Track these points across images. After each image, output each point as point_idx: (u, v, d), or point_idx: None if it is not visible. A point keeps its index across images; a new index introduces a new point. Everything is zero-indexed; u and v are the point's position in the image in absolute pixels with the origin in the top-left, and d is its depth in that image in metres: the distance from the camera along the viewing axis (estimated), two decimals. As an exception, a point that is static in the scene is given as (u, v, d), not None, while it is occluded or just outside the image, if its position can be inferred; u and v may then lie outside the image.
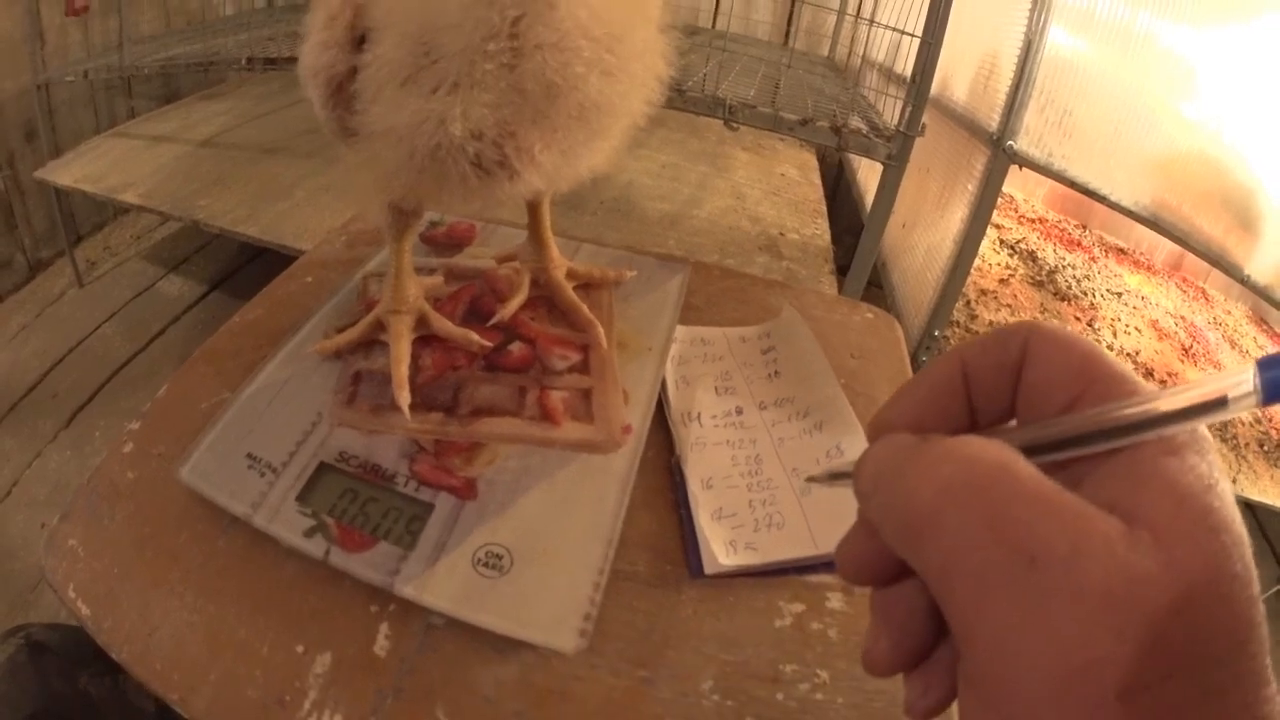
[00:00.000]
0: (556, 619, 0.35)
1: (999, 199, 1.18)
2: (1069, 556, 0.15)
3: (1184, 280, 1.99)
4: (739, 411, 0.50)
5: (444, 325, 0.48)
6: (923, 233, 1.48)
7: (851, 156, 2.01)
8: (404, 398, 0.43)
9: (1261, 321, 1.89)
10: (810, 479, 0.26)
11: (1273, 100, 1.16)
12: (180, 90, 2.06)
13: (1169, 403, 0.17)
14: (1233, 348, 1.69)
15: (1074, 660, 0.15)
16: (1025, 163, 1.15)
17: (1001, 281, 1.62)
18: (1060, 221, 2.07)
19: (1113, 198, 1.18)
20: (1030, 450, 0.18)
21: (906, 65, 1.06)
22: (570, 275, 0.54)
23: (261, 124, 1.81)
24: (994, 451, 0.17)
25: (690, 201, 1.60)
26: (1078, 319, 1.56)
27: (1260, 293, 1.34)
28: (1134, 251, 2.06)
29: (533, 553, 0.38)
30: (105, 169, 1.53)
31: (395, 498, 0.40)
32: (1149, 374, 1.43)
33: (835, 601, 0.41)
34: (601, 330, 0.50)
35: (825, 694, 0.37)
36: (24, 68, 1.55)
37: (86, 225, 1.87)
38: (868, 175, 1.62)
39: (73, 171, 1.51)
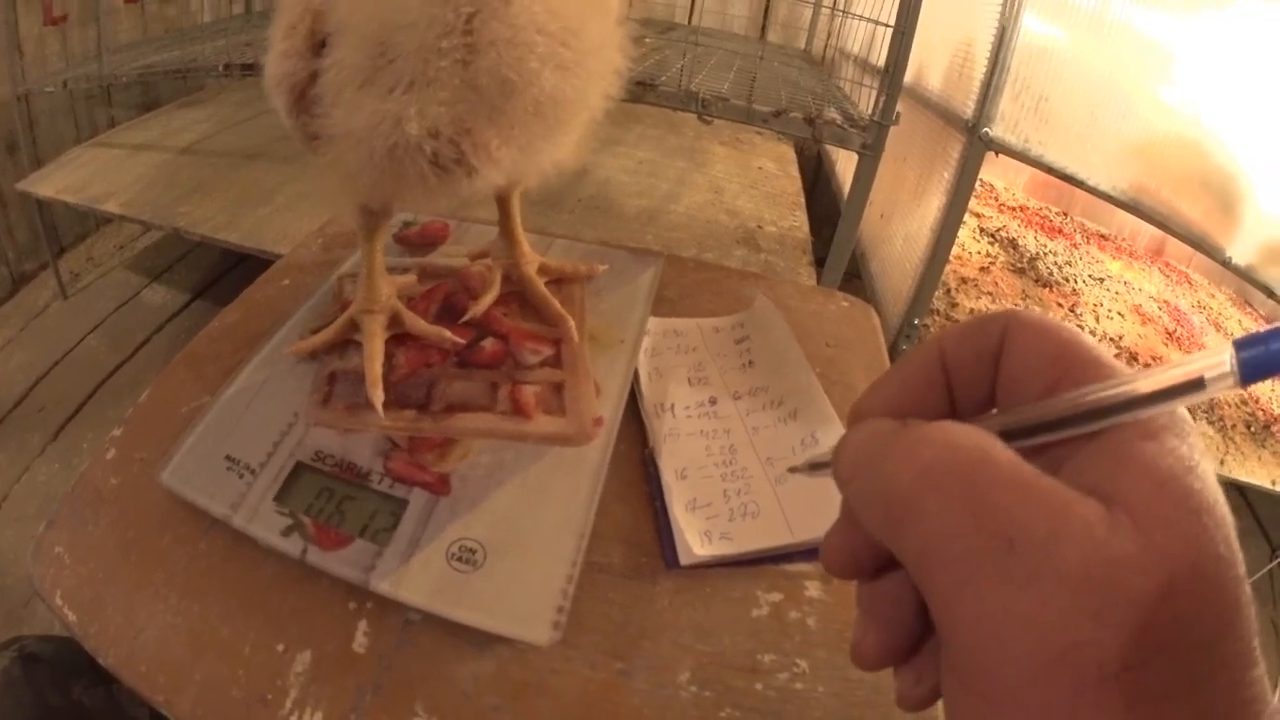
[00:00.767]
0: (530, 612, 0.36)
1: (979, 187, 1.19)
2: (1047, 540, 0.15)
3: (1167, 265, 2.00)
4: (713, 402, 0.50)
5: (417, 323, 0.48)
6: (900, 222, 1.49)
7: (831, 149, 2.02)
8: (378, 395, 0.43)
9: (1246, 304, 1.90)
10: (792, 469, 0.26)
11: (1250, 82, 1.16)
12: (160, 98, 2.06)
13: (1146, 385, 0.16)
14: (1218, 330, 1.70)
15: (1054, 644, 0.15)
16: (1001, 149, 1.15)
17: (982, 269, 1.63)
18: (1041, 209, 2.08)
19: (1091, 182, 1.19)
20: (1009, 435, 0.18)
21: (881, 56, 1.07)
22: (542, 270, 0.55)
23: (241, 130, 1.80)
24: (973, 436, 0.17)
25: (668, 197, 1.59)
26: (1060, 305, 1.57)
27: (1242, 275, 1.34)
28: (1115, 237, 2.07)
29: (506, 546, 0.38)
30: (87, 179, 1.52)
31: (370, 495, 0.40)
32: (1133, 358, 1.44)
33: (813, 590, 0.41)
34: (573, 324, 0.50)
35: (805, 683, 0.36)
36: (3, 79, 1.54)
37: (69, 236, 1.86)
38: (846, 167, 1.62)
39: (54, 183, 1.50)
